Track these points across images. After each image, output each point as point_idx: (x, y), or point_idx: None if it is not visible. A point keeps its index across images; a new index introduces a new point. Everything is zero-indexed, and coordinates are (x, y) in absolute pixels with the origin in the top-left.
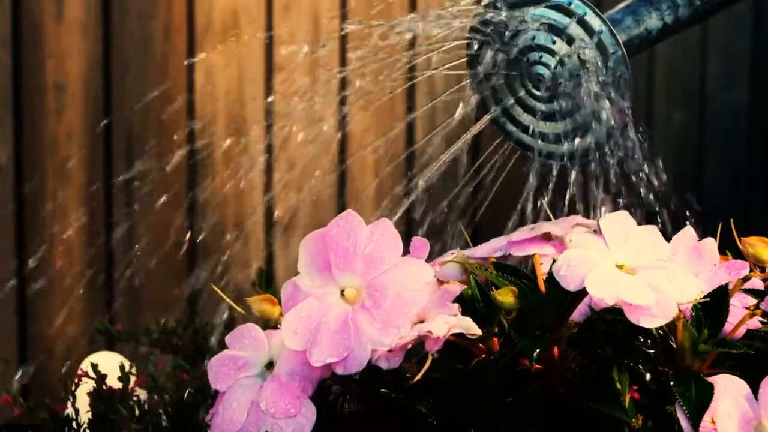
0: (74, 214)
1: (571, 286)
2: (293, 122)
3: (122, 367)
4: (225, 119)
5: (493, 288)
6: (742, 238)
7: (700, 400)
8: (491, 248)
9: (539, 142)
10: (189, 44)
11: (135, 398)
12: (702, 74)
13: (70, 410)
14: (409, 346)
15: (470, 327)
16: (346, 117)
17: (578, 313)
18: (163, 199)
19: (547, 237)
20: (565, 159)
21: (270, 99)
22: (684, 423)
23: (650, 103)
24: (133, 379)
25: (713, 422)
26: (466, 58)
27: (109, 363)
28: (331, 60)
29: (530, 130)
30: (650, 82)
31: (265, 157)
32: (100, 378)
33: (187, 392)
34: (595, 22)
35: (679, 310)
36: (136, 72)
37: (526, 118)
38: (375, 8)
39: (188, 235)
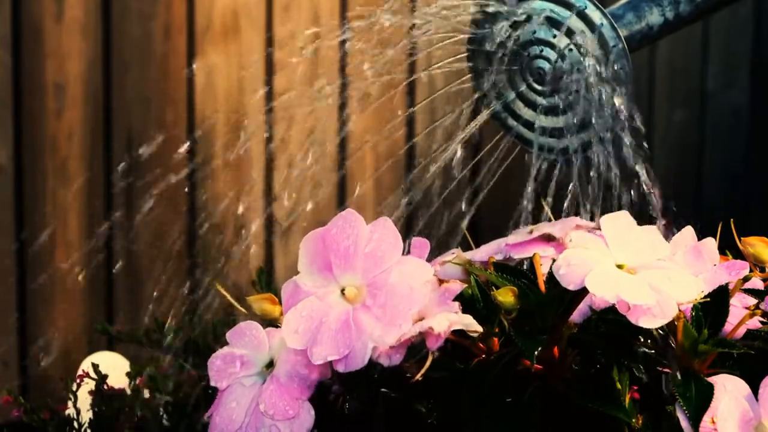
0: (74, 214)
1: (571, 285)
2: (293, 122)
3: (131, 369)
4: (225, 119)
5: (494, 288)
6: (742, 238)
7: (700, 400)
8: (491, 250)
9: (539, 136)
10: (189, 44)
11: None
12: (702, 74)
13: (71, 410)
14: (410, 343)
15: (471, 324)
16: (346, 117)
17: (578, 313)
18: (162, 199)
19: (546, 238)
20: (570, 152)
21: (270, 99)
22: (684, 423)
23: (651, 103)
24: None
25: (713, 422)
26: (466, 53)
27: (110, 363)
28: (331, 60)
29: (531, 124)
30: (651, 81)
31: (265, 157)
32: (101, 378)
33: (187, 392)
34: (595, 16)
35: (679, 310)
36: (136, 72)
37: (526, 113)
38: (375, 8)
39: (188, 235)
